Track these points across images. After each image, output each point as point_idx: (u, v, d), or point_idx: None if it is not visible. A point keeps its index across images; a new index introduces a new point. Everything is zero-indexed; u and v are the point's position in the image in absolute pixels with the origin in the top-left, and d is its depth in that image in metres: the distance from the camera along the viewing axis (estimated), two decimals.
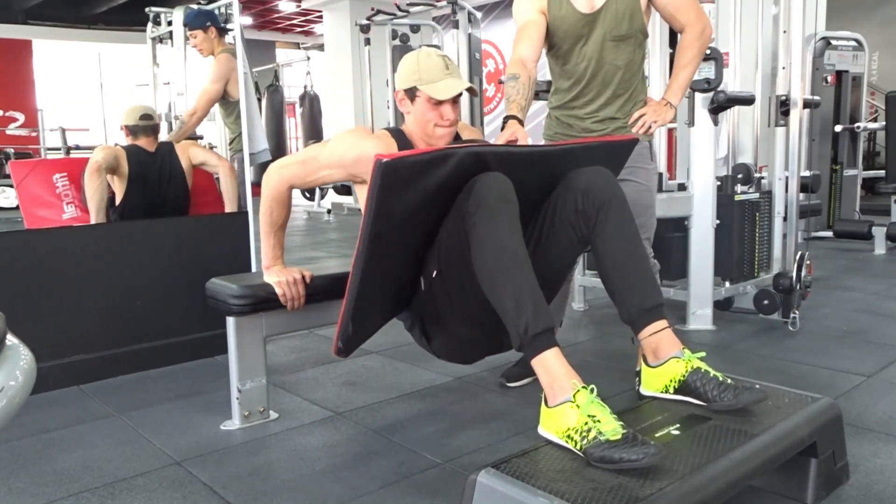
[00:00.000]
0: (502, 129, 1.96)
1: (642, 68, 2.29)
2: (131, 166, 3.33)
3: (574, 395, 1.44)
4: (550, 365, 1.50)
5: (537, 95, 4.17)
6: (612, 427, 1.36)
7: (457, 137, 2.07)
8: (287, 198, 2.02)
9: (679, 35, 2.26)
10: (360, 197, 2.03)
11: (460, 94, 1.93)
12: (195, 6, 3.76)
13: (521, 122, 1.98)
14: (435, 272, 1.77)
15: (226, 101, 3.65)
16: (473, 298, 1.66)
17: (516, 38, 2.20)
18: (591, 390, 1.45)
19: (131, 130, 3.37)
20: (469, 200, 1.57)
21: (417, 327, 1.95)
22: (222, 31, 3.67)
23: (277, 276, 2.04)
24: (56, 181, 3.46)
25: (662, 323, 1.69)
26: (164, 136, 3.71)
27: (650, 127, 2.19)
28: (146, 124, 3.38)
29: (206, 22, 3.59)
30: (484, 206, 1.55)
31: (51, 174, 3.46)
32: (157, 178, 3.41)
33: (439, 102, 1.91)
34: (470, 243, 1.58)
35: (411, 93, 1.94)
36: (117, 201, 3.36)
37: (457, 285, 1.72)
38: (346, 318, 1.76)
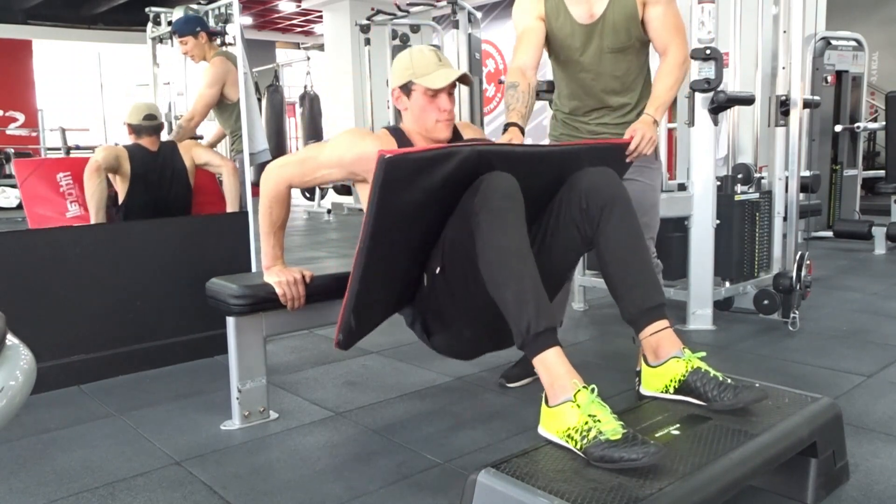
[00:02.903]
0: (503, 133, 1.96)
1: (646, 70, 2.26)
2: (133, 166, 3.32)
3: (575, 395, 1.44)
4: (551, 364, 1.50)
5: (538, 95, 4.17)
6: (612, 427, 1.36)
7: (458, 136, 2.08)
8: (286, 197, 2.03)
9: (661, 57, 2.16)
10: (361, 196, 2.04)
11: (455, 86, 1.96)
12: (194, 6, 3.76)
13: (521, 129, 1.98)
14: (438, 269, 1.78)
15: (223, 103, 3.64)
16: (477, 296, 1.67)
17: (516, 46, 2.18)
18: (592, 390, 1.45)
19: (134, 129, 3.37)
20: (475, 199, 1.58)
21: (419, 323, 1.96)
22: (213, 36, 3.66)
23: (278, 276, 2.04)
24: (60, 180, 3.46)
25: (664, 322, 1.69)
26: (165, 136, 3.71)
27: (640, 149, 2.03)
28: (149, 124, 3.37)
29: (196, 28, 3.58)
30: (489, 204, 1.56)
31: (54, 173, 3.47)
32: (158, 178, 3.39)
33: (435, 94, 1.93)
34: (475, 242, 1.58)
35: (407, 88, 1.96)
36: (120, 200, 3.36)
37: (460, 283, 1.74)
38: (348, 312, 1.77)
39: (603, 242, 1.74)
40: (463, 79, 1.95)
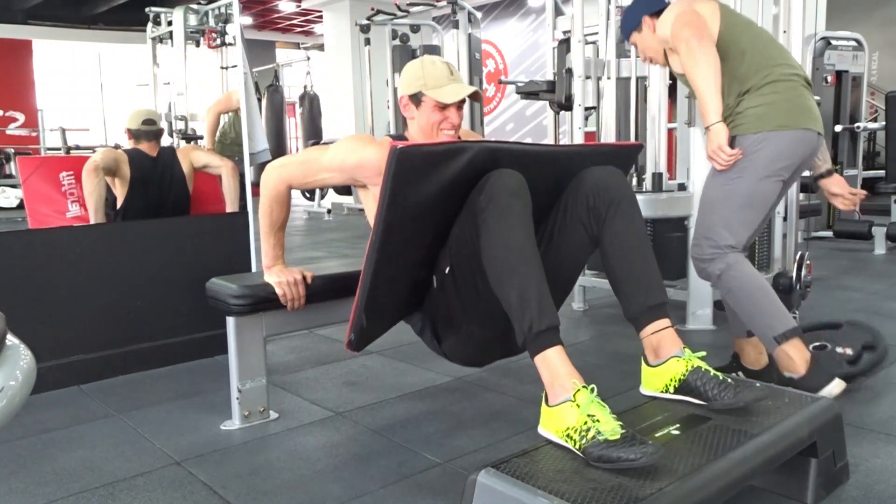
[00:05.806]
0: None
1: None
2: (133, 170, 3.35)
3: (574, 395, 1.44)
4: (553, 363, 1.50)
5: (538, 96, 4.16)
6: (611, 427, 1.36)
7: None
8: (286, 197, 2.02)
9: None
10: (363, 198, 2.04)
11: (464, 101, 1.94)
12: (195, 6, 3.76)
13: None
14: (447, 269, 1.78)
15: None
16: (486, 297, 1.66)
17: None
18: (592, 390, 1.45)
19: (134, 134, 3.42)
20: (481, 196, 1.58)
21: (428, 329, 1.95)
22: None
23: (278, 277, 2.04)
24: (62, 179, 3.45)
25: (665, 322, 1.69)
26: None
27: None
28: (149, 129, 3.43)
29: None
30: (495, 201, 1.56)
31: (57, 172, 3.46)
32: (157, 183, 3.44)
33: (445, 107, 1.93)
34: (480, 239, 1.58)
35: (416, 98, 1.95)
36: (118, 204, 3.37)
37: (469, 283, 1.73)
38: (360, 310, 1.77)
39: (608, 239, 1.74)
40: (474, 96, 1.94)
